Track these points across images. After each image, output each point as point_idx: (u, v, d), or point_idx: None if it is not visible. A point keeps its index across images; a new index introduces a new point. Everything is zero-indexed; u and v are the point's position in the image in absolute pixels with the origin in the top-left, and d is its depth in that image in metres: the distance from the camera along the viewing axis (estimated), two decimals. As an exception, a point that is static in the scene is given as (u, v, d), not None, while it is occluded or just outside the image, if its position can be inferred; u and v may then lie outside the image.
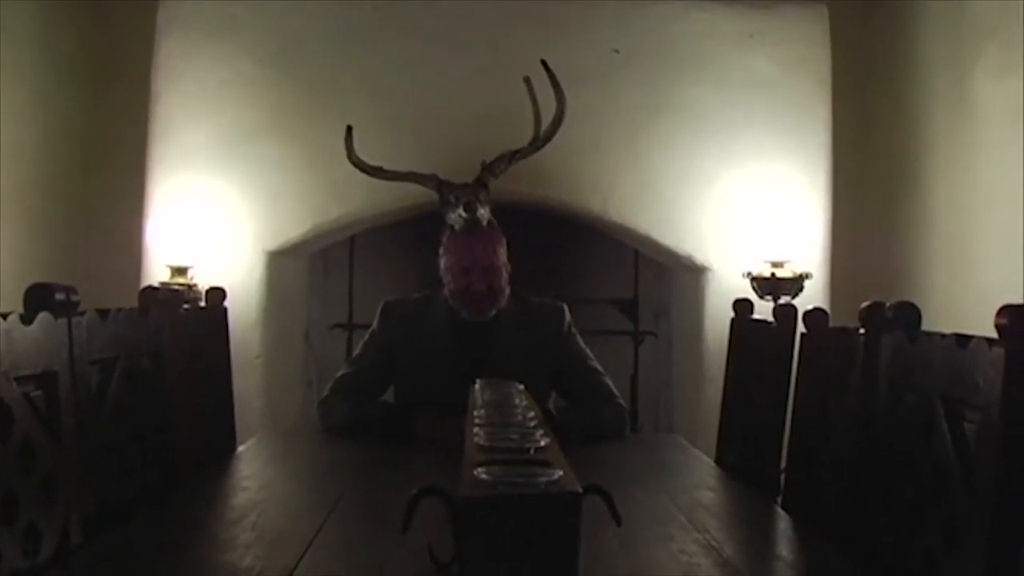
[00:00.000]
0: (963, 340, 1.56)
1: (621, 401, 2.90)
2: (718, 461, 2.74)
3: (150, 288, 2.48)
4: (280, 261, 4.24)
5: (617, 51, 4.14)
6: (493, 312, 2.83)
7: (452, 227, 3.07)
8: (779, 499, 2.35)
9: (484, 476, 1.25)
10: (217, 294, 2.89)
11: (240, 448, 2.72)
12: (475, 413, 1.72)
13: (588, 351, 2.95)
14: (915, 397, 1.73)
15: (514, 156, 3.57)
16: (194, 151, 4.09)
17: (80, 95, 4.35)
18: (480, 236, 2.91)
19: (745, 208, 4.10)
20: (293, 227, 4.15)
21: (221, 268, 3.96)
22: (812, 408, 2.26)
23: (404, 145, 3.91)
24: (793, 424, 2.37)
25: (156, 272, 3.95)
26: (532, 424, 1.62)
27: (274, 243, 4.16)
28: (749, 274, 3.92)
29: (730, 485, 2.39)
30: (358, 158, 3.60)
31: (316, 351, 4.72)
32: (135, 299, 2.33)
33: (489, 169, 3.50)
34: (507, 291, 2.86)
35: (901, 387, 1.80)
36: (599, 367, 2.93)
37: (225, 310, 2.90)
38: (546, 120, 3.57)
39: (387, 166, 3.62)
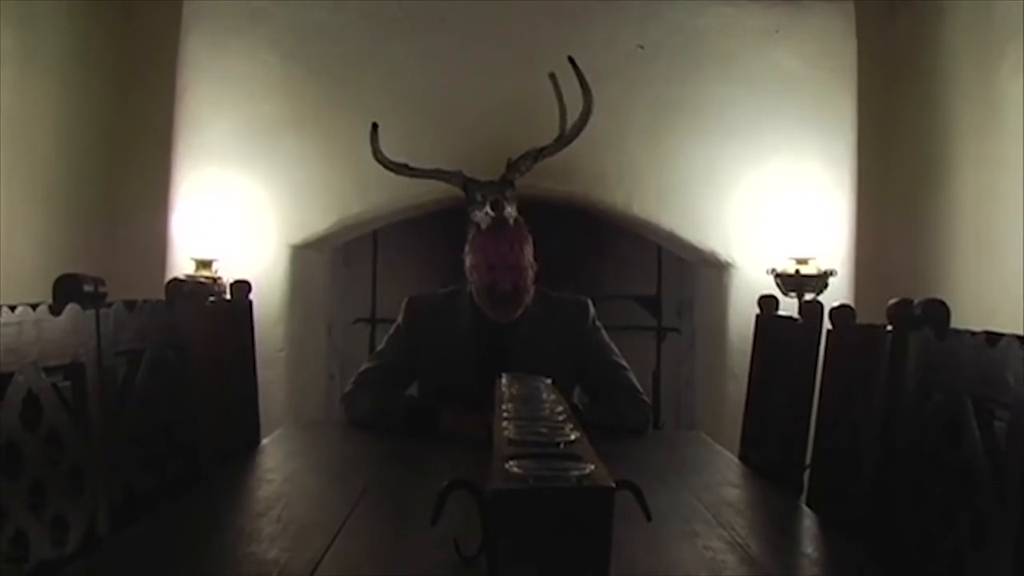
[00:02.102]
0: (993, 338, 1.55)
1: (645, 397, 2.89)
2: (742, 458, 2.73)
3: (176, 280, 2.48)
4: (304, 255, 4.25)
5: (641, 47, 4.13)
6: (518, 313, 2.82)
7: (478, 225, 3.07)
8: (803, 497, 2.34)
9: (515, 469, 1.24)
10: (242, 287, 2.89)
11: (264, 441, 2.73)
12: (503, 407, 1.72)
13: (612, 346, 2.94)
14: (943, 395, 1.71)
15: (540, 154, 3.57)
16: (219, 145, 4.11)
17: (106, 89, 4.37)
18: (506, 234, 2.90)
19: (769, 204, 4.09)
20: (317, 221, 4.16)
21: (245, 262, 3.98)
22: (838, 406, 2.24)
23: (428, 141, 3.92)
24: (818, 422, 2.35)
25: (181, 265, 3.97)
26: (561, 418, 1.61)
27: (298, 237, 4.17)
28: (773, 271, 3.90)
29: (754, 482, 2.38)
30: (383, 155, 3.61)
31: (338, 345, 4.73)
32: (160, 292, 2.34)
33: (515, 167, 3.50)
34: (532, 291, 2.85)
35: (929, 385, 1.78)
36: (623, 362, 2.92)
37: (250, 303, 2.90)
38: (572, 117, 3.56)
39: (411, 162, 3.63)
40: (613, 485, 1.23)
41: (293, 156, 4.11)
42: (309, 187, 4.13)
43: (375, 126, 3.61)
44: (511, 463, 1.27)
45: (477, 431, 2.33)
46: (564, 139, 3.58)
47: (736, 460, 2.65)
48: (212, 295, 2.98)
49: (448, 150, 3.81)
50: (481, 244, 2.84)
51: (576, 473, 1.25)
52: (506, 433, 1.48)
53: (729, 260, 4.16)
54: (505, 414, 1.65)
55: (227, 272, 3.84)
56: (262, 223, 4.12)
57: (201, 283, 3.62)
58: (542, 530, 1.19)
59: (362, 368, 2.95)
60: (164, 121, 4.15)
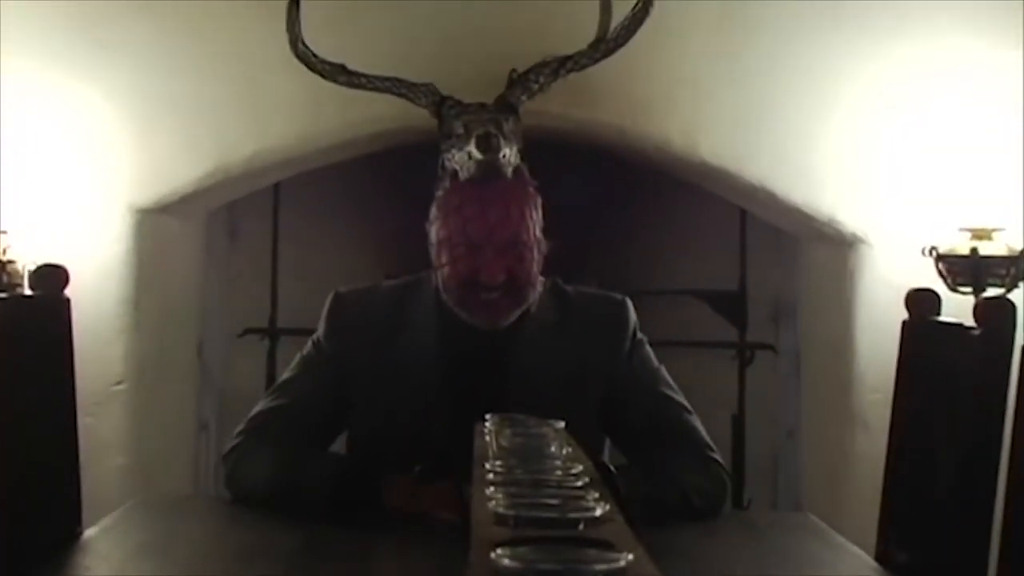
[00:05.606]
0: None
1: (717, 455, 2.91)
2: (880, 559, 2.74)
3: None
4: (159, 224, 4.27)
5: None
6: (515, 315, 2.82)
7: (455, 172, 3.05)
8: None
9: (507, 562, 1.24)
10: (51, 277, 2.87)
11: (89, 530, 2.71)
12: (487, 467, 1.72)
13: (664, 373, 2.96)
14: None
15: (563, 66, 3.55)
16: (12, 36, 4.08)
17: None
18: (500, 191, 2.87)
19: (924, 142, 4.10)
20: (182, 169, 4.18)
21: (57, 235, 4.00)
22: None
23: (381, 38, 3.96)
24: (1009, 496, 2.35)
25: (-55, 241, 3.97)
26: (580, 483, 1.61)
27: (149, 195, 4.19)
28: (933, 250, 3.91)
29: (901, 596, 2.38)
30: (308, 49, 3.58)
31: (216, 374, 4.74)
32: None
33: (521, 84, 3.47)
34: (539, 282, 2.86)
35: None
36: (682, 399, 2.93)
37: (66, 303, 2.89)
38: (619, 14, 3.55)
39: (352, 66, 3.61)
40: (663, 586, 1.22)
41: (141, 56, 4.11)
42: (169, 109, 4.14)
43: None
44: (500, 552, 1.27)
45: (447, 509, 2.37)
46: (607, 44, 3.56)
47: (871, 560, 2.66)
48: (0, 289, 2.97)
49: (414, 53, 3.84)
50: (458, 204, 2.83)
51: (603, 567, 1.24)
52: (493, 506, 1.48)
53: (858, 233, 4.18)
54: (491, 476, 1.65)
55: (24, 252, 3.85)
56: (88, 170, 4.12)
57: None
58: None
59: (256, 410, 2.95)
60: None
